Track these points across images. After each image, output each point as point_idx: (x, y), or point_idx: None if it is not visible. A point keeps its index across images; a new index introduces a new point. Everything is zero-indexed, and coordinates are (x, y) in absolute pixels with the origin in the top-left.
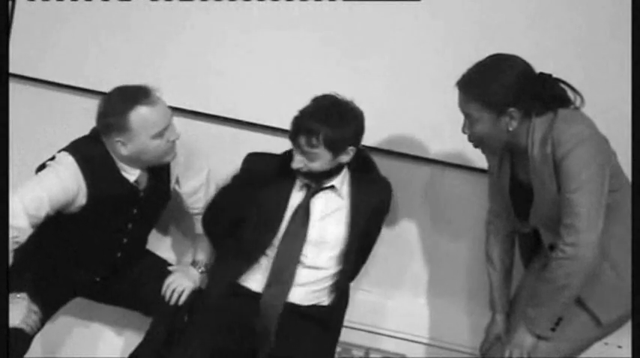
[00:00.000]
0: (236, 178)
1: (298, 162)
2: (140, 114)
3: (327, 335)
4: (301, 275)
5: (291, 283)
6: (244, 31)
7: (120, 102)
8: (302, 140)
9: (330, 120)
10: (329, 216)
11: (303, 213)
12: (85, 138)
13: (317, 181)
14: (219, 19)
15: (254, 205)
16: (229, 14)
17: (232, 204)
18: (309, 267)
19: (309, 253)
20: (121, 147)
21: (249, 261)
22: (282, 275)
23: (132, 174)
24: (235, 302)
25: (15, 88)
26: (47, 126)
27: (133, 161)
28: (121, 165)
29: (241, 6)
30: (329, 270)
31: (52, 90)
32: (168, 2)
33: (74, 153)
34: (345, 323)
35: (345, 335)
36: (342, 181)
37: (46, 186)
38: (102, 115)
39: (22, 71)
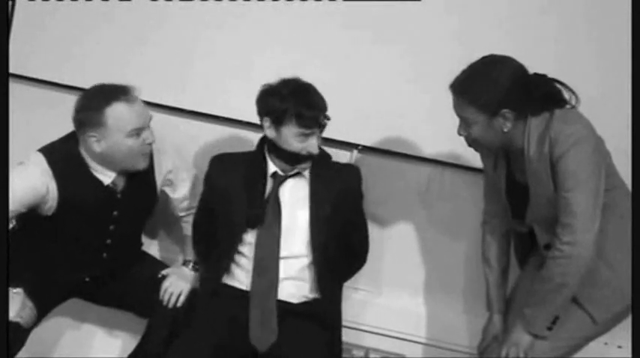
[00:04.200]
0: (202, 194)
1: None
2: (116, 110)
3: (326, 333)
4: (280, 268)
5: (277, 273)
6: (243, 32)
7: (97, 98)
8: None
9: None
10: (297, 202)
11: (274, 202)
12: (61, 139)
13: None
14: (223, 20)
15: (225, 205)
16: (230, 14)
17: (208, 222)
18: (285, 258)
19: (283, 242)
20: (95, 144)
21: (227, 259)
22: (267, 267)
23: (107, 176)
24: (226, 301)
25: (15, 88)
26: (47, 126)
27: (106, 161)
28: (94, 165)
29: (242, 5)
30: (305, 258)
31: (52, 91)
32: (175, 3)
33: (45, 153)
34: (345, 323)
35: (345, 335)
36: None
37: (13, 184)
38: (78, 110)
39: (22, 71)
